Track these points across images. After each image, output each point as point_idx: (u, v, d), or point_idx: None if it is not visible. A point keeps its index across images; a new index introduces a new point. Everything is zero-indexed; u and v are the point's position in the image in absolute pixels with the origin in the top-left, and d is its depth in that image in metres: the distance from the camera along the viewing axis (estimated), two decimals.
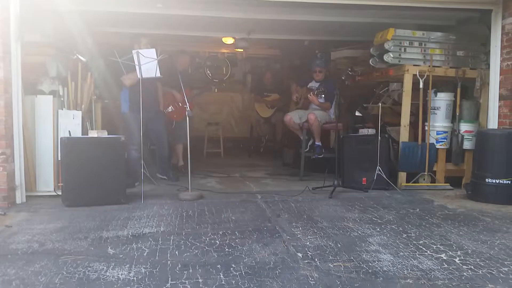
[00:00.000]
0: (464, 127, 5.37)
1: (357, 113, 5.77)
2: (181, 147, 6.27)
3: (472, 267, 2.69)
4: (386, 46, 5.29)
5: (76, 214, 3.87)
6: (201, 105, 8.98)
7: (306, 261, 2.77)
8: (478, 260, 2.82)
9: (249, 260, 2.77)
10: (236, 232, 3.37)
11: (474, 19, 5.67)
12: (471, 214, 4.07)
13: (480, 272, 2.62)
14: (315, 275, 2.55)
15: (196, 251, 2.93)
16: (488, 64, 5.37)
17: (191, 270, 2.59)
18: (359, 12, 5.55)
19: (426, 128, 5.35)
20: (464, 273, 2.59)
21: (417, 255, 2.89)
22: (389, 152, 5.34)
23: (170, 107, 6.02)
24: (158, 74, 4.69)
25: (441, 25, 5.91)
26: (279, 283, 2.43)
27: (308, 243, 3.13)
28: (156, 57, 4.62)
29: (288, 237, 3.28)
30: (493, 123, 5.27)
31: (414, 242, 3.18)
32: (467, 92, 5.53)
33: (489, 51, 5.35)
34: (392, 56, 5.28)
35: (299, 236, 3.31)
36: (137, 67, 4.62)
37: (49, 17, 4.77)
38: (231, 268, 2.63)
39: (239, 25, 6.34)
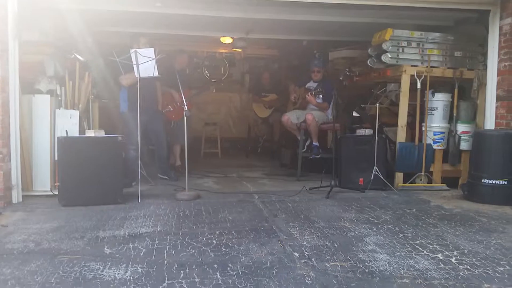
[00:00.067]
0: (461, 127, 5.38)
1: (354, 114, 5.77)
2: (179, 147, 6.26)
3: (468, 267, 2.69)
4: (384, 46, 5.30)
5: (73, 214, 3.87)
6: (199, 105, 8.97)
7: (303, 261, 2.77)
8: (474, 260, 2.82)
9: (246, 259, 2.77)
10: (233, 232, 3.37)
11: (472, 20, 5.68)
12: (468, 215, 4.08)
13: (476, 271, 2.62)
14: (312, 274, 2.55)
15: (193, 251, 2.92)
16: (486, 65, 5.38)
17: (187, 270, 2.59)
18: (358, 12, 5.56)
19: (423, 128, 5.36)
20: (460, 273, 2.60)
21: (414, 255, 2.90)
22: (386, 152, 5.35)
23: (168, 107, 6.02)
24: (156, 74, 4.69)
25: (439, 25, 5.92)
26: (276, 282, 2.43)
27: (305, 243, 3.13)
28: (154, 57, 4.61)
29: (285, 237, 3.28)
30: (490, 124, 5.28)
31: (411, 242, 3.19)
32: (465, 93, 5.55)
33: (487, 52, 5.36)
34: (390, 56, 5.29)
35: (296, 236, 3.31)
36: (135, 67, 4.62)
37: (47, 16, 4.76)
38: (228, 268, 2.62)
39: (238, 24, 6.35)
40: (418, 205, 4.44)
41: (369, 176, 5.10)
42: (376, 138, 5.16)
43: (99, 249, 2.95)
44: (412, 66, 5.30)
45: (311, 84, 6.36)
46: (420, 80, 5.23)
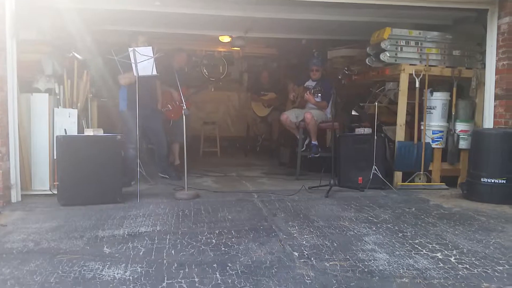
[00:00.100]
0: (460, 126, 5.38)
1: (353, 112, 5.78)
2: (178, 146, 6.25)
3: (468, 266, 2.70)
4: (383, 45, 5.30)
5: (72, 213, 3.86)
6: (198, 104, 8.96)
7: (302, 260, 2.77)
8: (473, 259, 2.83)
9: (246, 259, 2.77)
10: (232, 231, 3.37)
11: (470, 19, 5.68)
12: (467, 214, 4.08)
13: (475, 271, 2.63)
14: (311, 274, 2.55)
15: (192, 250, 2.92)
16: (484, 64, 5.39)
17: (187, 269, 2.59)
18: (357, 11, 5.55)
19: (422, 127, 5.36)
20: (460, 272, 2.60)
21: (413, 254, 2.90)
22: (385, 151, 5.35)
23: (168, 106, 6.01)
24: (155, 72, 4.68)
25: (437, 24, 5.92)
26: (275, 282, 2.43)
27: (304, 242, 3.13)
28: (152, 55, 4.60)
29: (284, 236, 3.29)
30: (488, 122, 5.29)
31: (410, 241, 3.19)
32: (463, 92, 5.55)
33: (485, 50, 5.36)
34: (388, 55, 5.29)
35: (295, 235, 3.31)
36: (133, 65, 4.61)
37: (45, 14, 4.75)
38: (227, 267, 2.62)
39: (237, 23, 6.34)
40: (417, 204, 4.44)
41: (368, 175, 5.11)
42: (375, 137, 5.17)
43: (98, 249, 2.95)
44: (410, 65, 5.31)
45: (310, 83, 6.35)
46: (419, 79, 5.24)
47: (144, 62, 4.58)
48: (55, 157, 4.47)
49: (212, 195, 4.79)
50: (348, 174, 5.29)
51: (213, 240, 3.14)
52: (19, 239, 3.14)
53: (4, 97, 4.21)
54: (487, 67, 5.32)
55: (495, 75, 5.22)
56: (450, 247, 3.06)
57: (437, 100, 5.38)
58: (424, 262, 2.76)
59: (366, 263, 2.74)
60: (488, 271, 2.62)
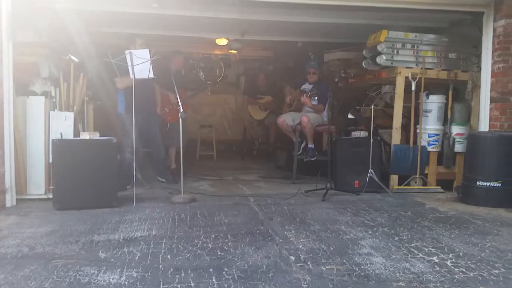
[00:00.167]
0: (456, 129, 5.40)
1: (349, 116, 5.78)
2: (174, 149, 6.24)
3: (464, 270, 2.70)
4: (379, 48, 5.31)
5: (67, 218, 3.84)
6: (194, 107, 8.95)
7: (299, 265, 2.77)
8: (469, 262, 2.83)
9: (242, 263, 2.77)
10: (228, 236, 3.36)
11: (466, 22, 5.71)
12: (462, 217, 4.09)
13: (472, 274, 2.63)
14: (308, 278, 2.55)
15: (188, 255, 2.91)
16: (480, 67, 5.41)
17: (183, 274, 2.57)
18: (353, 14, 5.57)
19: (418, 130, 5.37)
20: (456, 276, 2.60)
21: (409, 258, 2.90)
22: (381, 154, 5.36)
23: (165, 109, 5.99)
24: (152, 75, 4.67)
25: (433, 27, 5.95)
26: (272, 286, 2.43)
27: (300, 246, 3.12)
28: (149, 58, 4.59)
29: (280, 240, 3.28)
30: (484, 125, 5.30)
31: (406, 245, 3.19)
32: (459, 95, 5.57)
33: (481, 53, 5.39)
34: (384, 58, 5.30)
35: (291, 239, 3.31)
36: (130, 68, 4.60)
37: (42, 16, 4.72)
38: (224, 272, 2.62)
39: (234, 25, 6.34)
40: (413, 208, 4.45)
41: (364, 179, 5.11)
42: (371, 140, 5.17)
43: (94, 253, 2.94)
44: (406, 68, 5.32)
45: (307, 86, 6.36)
46: (415, 82, 5.25)
47: (141, 65, 4.57)
48: (50, 161, 4.45)
49: (209, 199, 4.78)
50: (344, 177, 5.28)
51: (209, 245, 3.13)
52: (13, 244, 3.13)
53: None
54: (483, 70, 5.35)
55: (491, 78, 5.24)
56: (446, 250, 3.07)
57: (433, 103, 5.39)
58: (421, 266, 2.76)
59: (362, 267, 2.73)
60: (484, 275, 2.62)
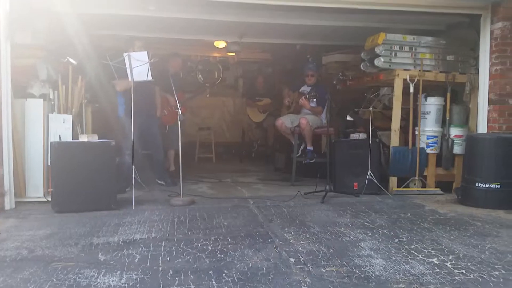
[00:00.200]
0: (454, 131, 5.41)
1: (348, 118, 5.79)
2: (173, 152, 6.24)
3: (464, 271, 2.70)
4: (377, 50, 5.32)
5: (66, 220, 3.83)
6: (193, 110, 8.95)
7: (299, 267, 2.77)
8: (469, 264, 2.83)
9: (242, 265, 2.76)
10: (228, 238, 3.35)
11: (463, 24, 5.73)
12: (462, 219, 4.09)
13: (472, 276, 2.63)
14: (308, 280, 2.54)
15: (188, 257, 2.91)
16: (478, 69, 5.43)
17: (183, 277, 2.57)
18: (351, 17, 5.59)
19: (417, 132, 5.38)
20: (456, 278, 2.60)
21: (409, 260, 2.90)
22: (380, 156, 5.37)
23: (164, 111, 5.99)
24: (150, 78, 4.67)
25: (431, 30, 5.96)
26: None
27: (300, 248, 3.12)
28: (147, 60, 4.59)
29: (280, 242, 3.28)
30: (482, 127, 5.32)
31: (406, 246, 3.19)
32: (457, 97, 5.59)
33: (479, 56, 5.41)
34: (382, 60, 5.31)
35: (291, 241, 3.30)
36: (128, 70, 4.59)
37: (40, 19, 4.71)
38: (223, 274, 2.61)
39: (231, 28, 6.35)
40: (413, 210, 4.45)
41: (363, 181, 5.11)
42: (370, 142, 5.18)
43: (93, 256, 2.93)
44: (404, 70, 5.33)
45: (305, 88, 6.37)
46: (413, 84, 5.26)
47: (139, 67, 4.57)
48: (49, 164, 4.43)
49: (208, 201, 4.77)
50: (343, 179, 5.29)
51: (209, 247, 3.12)
52: (12, 246, 3.11)
53: None
54: (481, 72, 5.36)
55: (489, 80, 5.26)
56: (446, 252, 3.07)
57: (431, 105, 5.40)
58: (421, 268, 2.76)
59: (362, 269, 2.73)
60: (484, 276, 2.63)
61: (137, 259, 2.86)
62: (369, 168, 5.12)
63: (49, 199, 4.37)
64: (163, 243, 3.20)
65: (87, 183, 4.20)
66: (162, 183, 5.68)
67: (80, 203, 4.16)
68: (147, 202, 4.61)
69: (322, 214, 4.20)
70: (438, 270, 2.72)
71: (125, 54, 4.58)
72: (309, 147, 6.03)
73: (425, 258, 2.93)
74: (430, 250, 3.10)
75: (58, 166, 4.18)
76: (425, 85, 5.36)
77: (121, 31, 6.03)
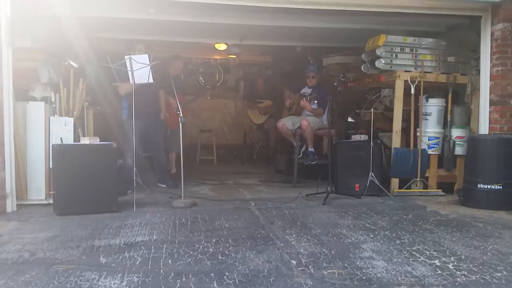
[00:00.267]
0: (456, 132, 5.41)
1: (349, 119, 5.79)
2: (175, 154, 6.24)
3: (466, 273, 2.69)
4: (378, 52, 5.32)
5: (68, 223, 3.84)
6: (194, 112, 8.97)
7: (300, 269, 2.76)
8: (471, 265, 2.82)
9: (243, 268, 2.76)
10: (229, 240, 3.35)
11: (464, 26, 5.73)
12: (464, 220, 4.08)
13: (474, 278, 2.62)
14: (309, 282, 2.54)
15: (189, 260, 2.90)
16: (479, 70, 5.43)
17: (184, 279, 2.56)
18: (351, 18, 5.59)
19: (418, 134, 5.38)
20: (458, 279, 2.59)
21: (411, 261, 2.89)
22: (381, 158, 5.36)
23: (166, 114, 5.99)
24: (151, 80, 4.68)
25: (431, 31, 5.97)
26: None
27: (302, 250, 3.12)
28: (149, 63, 4.60)
29: (282, 244, 3.27)
30: (484, 128, 5.31)
31: (408, 248, 3.18)
32: (458, 98, 5.59)
33: (479, 57, 5.41)
34: (383, 62, 5.32)
35: (293, 243, 3.30)
36: (129, 73, 4.60)
37: (40, 22, 4.73)
38: (225, 277, 2.61)
39: (232, 31, 6.36)
40: (414, 211, 4.44)
41: (365, 182, 5.11)
42: (371, 143, 5.17)
43: (94, 258, 2.92)
44: (405, 71, 5.34)
45: (306, 90, 6.37)
46: (414, 85, 5.26)
47: (140, 70, 4.58)
48: (51, 166, 4.44)
49: (209, 204, 4.77)
50: (345, 181, 5.28)
51: (210, 249, 3.12)
52: (14, 249, 3.11)
53: None
54: (482, 73, 5.36)
55: (490, 81, 5.26)
56: (448, 253, 3.06)
57: (433, 106, 5.41)
58: (422, 269, 2.75)
59: (364, 270, 2.72)
60: (487, 278, 2.62)
61: (138, 262, 2.86)
62: (371, 170, 5.11)
63: (51, 201, 4.38)
64: (165, 246, 3.19)
65: (89, 185, 4.20)
66: (164, 186, 5.68)
67: (81, 205, 4.16)
68: (149, 204, 4.61)
69: (324, 216, 4.20)
70: (440, 271, 2.71)
71: (126, 56, 4.59)
72: (311, 149, 6.03)
73: (427, 260, 2.92)
74: (432, 252, 3.09)
75: (59, 169, 4.18)
76: (426, 86, 5.36)
77: (121, 34, 6.05)
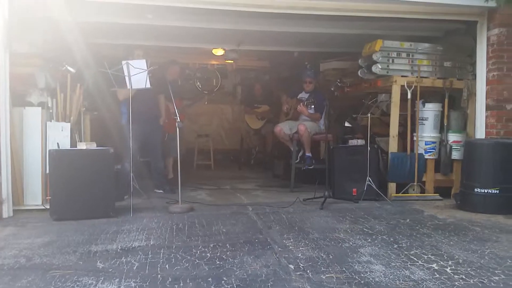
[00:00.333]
0: (452, 137, 5.42)
1: (346, 124, 5.80)
2: (172, 159, 6.23)
3: (464, 277, 2.69)
4: (374, 57, 5.34)
5: (64, 228, 3.82)
6: (191, 117, 8.96)
7: (298, 273, 2.75)
8: (469, 269, 2.82)
9: (241, 272, 2.75)
10: (227, 245, 3.34)
11: (460, 31, 5.77)
12: (461, 224, 4.09)
13: (472, 281, 2.62)
14: (308, 287, 2.53)
15: (187, 265, 2.89)
16: (475, 75, 5.46)
17: (181, 284, 2.55)
18: (348, 24, 5.62)
19: (415, 138, 5.39)
20: (456, 283, 2.59)
21: (409, 266, 2.89)
22: (378, 162, 5.37)
23: (165, 119, 5.99)
24: (148, 85, 4.68)
25: (428, 36, 6.01)
26: None
27: (300, 255, 3.11)
28: (146, 68, 4.60)
29: (279, 248, 3.26)
30: (480, 133, 5.33)
31: (406, 252, 3.18)
32: (455, 103, 5.60)
33: (475, 62, 5.44)
34: (380, 67, 5.33)
35: (290, 247, 3.29)
36: (126, 78, 4.60)
37: (38, 27, 4.72)
38: (223, 281, 2.60)
39: (229, 36, 6.38)
40: (412, 215, 4.45)
41: (362, 187, 5.11)
42: (369, 148, 5.18)
43: (91, 264, 2.91)
44: (402, 76, 5.36)
45: (303, 95, 6.38)
46: (411, 90, 5.28)
47: (137, 75, 4.58)
48: (47, 172, 4.42)
49: (206, 208, 4.76)
50: (342, 185, 5.28)
51: (208, 254, 3.11)
52: (10, 255, 3.10)
53: None
54: (478, 78, 5.39)
55: (486, 86, 5.28)
56: (446, 257, 3.06)
57: (429, 111, 5.42)
58: (420, 273, 2.75)
59: (362, 275, 2.72)
60: (484, 281, 2.62)
61: (135, 267, 2.85)
62: (368, 174, 5.12)
63: (47, 207, 4.36)
64: (162, 251, 3.18)
65: (85, 190, 4.19)
66: (161, 191, 5.67)
67: (78, 210, 4.15)
68: (146, 210, 4.60)
69: (321, 220, 4.19)
70: (438, 275, 2.71)
71: (123, 62, 4.59)
72: (308, 154, 6.03)
73: (424, 264, 2.92)
74: (429, 256, 3.09)
75: (56, 174, 4.17)
76: (422, 91, 5.38)
77: (118, 40, 6.06)
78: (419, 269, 2.82)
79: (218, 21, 5.43)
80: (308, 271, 2.78)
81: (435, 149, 5.43)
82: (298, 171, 6.05)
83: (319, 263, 2.93)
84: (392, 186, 5.33)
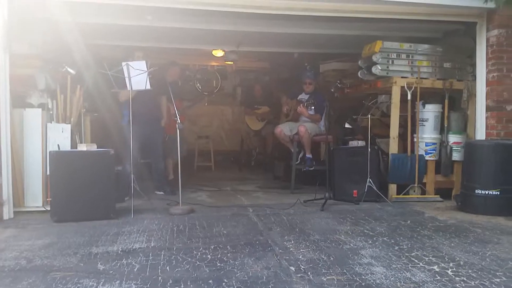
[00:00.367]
0: (453, 138, 5.42)
1: (346, 125, 5.80)
2: (172, 160, 6.22)
3: (465, 279, 2.69)
4: (374, 58, 5.35)
5: (65, 230, 3.81)
6: (191, 118, 8.96)
7: (299, 275, 2.75)
8: (470, 271, 2.82)
9: (242, 274, 2.75)
10: (227, 246, 3.34)
11: (459, 32, 5.78)
12: (462, 226, 4.09)
13: (473, 283, 2.62)
14: None
15: (188, 266, 2.89)
16: (475, 76, 5.46)
17: (182, 286, 2.55)
18: (348, 25, 5.62)
19: (415, 139, 5.39)
20: (457, 285, 2.59)
21: (410, 267, 2.89)
22: (379, 164, 5.37)
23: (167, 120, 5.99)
24: (148, 87, 4.67)
25: (428, 37, 6.01)
26: None
27: (300, 257, 3.11)
28: (146, 69, 4.60)
29: (280, 250, 3.26)
30: (480, 134, 5.33)
31: (406, 254, 3.18)
32: (455, 104, 5.61)
33: (475, 63, 5.44)
34: (380, 68, 5.34)
35: (291, 249, 3.29)
36: (126, 79, 4.60)
37: (37, 28, 4.73)
38: (223, 283, 2.59)
39: (228, 37, 6.38)
40: (413, 217, 4.44)
41: (362, 188, 5.11)
42: (369, 149, 5.18)
43: (92, 266, 2.91)
44: (402, 77, 5.36)
45: (303, 96, 6.38)
46: (411, 91, 5.28)
47: (137, 77, 4.58)
48: (48, 173, 4.42)
49: (207, 210, 4.76)
50: (343, 187, 5.28)
51: (209, 256, 3.11)
52: (11, 256, 3.09)
53: None
54: (478, 79, 5.39)
55: (486, 87, 5.29)
56: (447, 259, 3.06)
57: (429, 112, 5.42)
58: (421, 275, 2.74)
59: (363, 277, 2.72)
60: (486, 284, 2.61)
61: (136, 268, 2.85)
62: (369, 176, 5.11)
63: (48, 208, 4.35)
64: (163, 252, 3.18)
65: (86, 192, 4.18)
66: (161, 193, 5.66)
67: (78, 212, 4.14)
68: (146, 211, 4.60)
69: (322, 222, 4.19)
70: (439, 277, 2.71)
71: (123, 63, 4.59)
72: (308, 155, 6.02)
73: (425, 266, 2.92)
74: (430, 258, 3.09)
75: (56, 176, 4.16)
76: (422, 92, 5.38)
77: (118, 41, 6.05)
78: (420, 271, 2.82)
79: (217, 22, 5.43)
80: (309, 273, 2.78)
81: (435, 150, 5.43)
82: (298, 173, 6.04)
83: (320, 265, 2.93)
84: (392, 188, 5.33)
